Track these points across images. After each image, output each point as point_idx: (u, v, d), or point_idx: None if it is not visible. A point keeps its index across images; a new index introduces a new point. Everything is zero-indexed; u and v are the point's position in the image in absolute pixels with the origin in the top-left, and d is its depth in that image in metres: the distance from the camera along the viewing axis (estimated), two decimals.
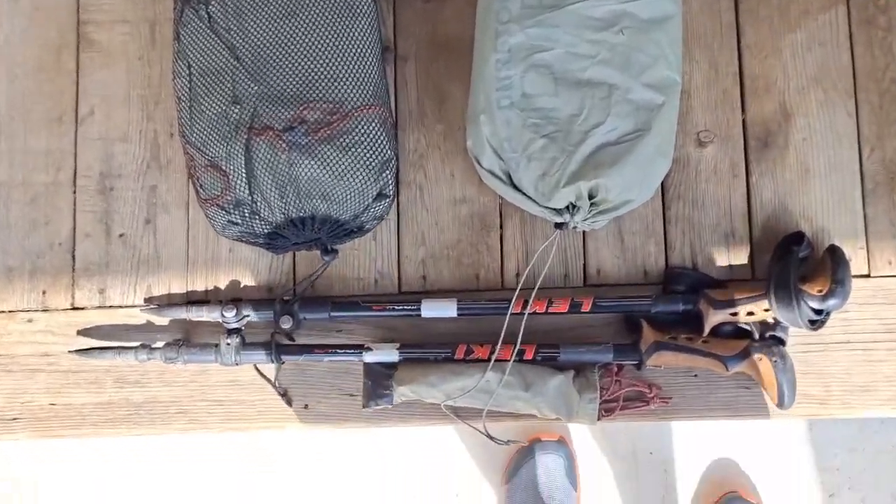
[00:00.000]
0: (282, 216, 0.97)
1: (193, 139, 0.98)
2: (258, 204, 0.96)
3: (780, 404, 0.94)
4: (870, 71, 1.03)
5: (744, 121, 1.03)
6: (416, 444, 1.46)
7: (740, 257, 1.02)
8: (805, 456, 1.38)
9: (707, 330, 0.97)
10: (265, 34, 0.98)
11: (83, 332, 1.07)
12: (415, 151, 1.06)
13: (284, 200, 0.96)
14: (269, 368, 1.04)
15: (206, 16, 1.00)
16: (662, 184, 1.01)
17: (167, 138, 1.09)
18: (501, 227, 1.05)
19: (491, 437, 0.98)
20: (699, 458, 1.40)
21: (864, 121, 1.02)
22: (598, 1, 0.92)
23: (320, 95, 0.96)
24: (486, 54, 0.95)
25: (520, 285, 0.97)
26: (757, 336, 0.97)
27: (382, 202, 0.99)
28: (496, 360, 0.96)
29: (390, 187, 0.99)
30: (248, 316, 1.02)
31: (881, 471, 1.36)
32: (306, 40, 0.97)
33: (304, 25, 0.98)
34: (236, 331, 1.02)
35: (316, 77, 0.96)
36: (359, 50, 0.98)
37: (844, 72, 1.03)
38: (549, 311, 0.99)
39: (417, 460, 1.46)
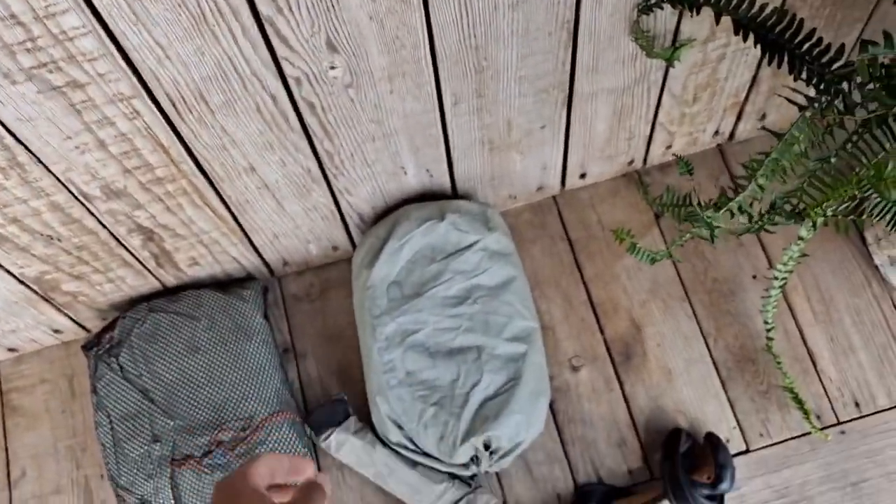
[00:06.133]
0: None
1: (122, 482, 1.06)
2: None
3: None
4: (693, 276, 1.20)
5: (604, 340, 1.18)
6: None
7: (636, 461, 1.12)
8: None
9: None
10: (173, 373, 1.09)
11: None
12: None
13: None
14: None
15: (117, 367, 1.11)
16: (552, 411, 1.13)
17: (98, 481, 1.16)
18: None
19: None
20: None
21: (701, 318, 1.18)
22: (449, 283, 1.08)
23: (231, 416, 1.07)
24: (368, 344, 1.08)
25: None
26: None
27: None
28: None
29: None
30: None
31: None
32: (210, 371, 1.09)
33: (206, 358, 1.10)
34: None
35: (224, 401, 1.07)
36: (258, 365, 1.10)
37: (673, 282, 1.20)
38: None
39: None
